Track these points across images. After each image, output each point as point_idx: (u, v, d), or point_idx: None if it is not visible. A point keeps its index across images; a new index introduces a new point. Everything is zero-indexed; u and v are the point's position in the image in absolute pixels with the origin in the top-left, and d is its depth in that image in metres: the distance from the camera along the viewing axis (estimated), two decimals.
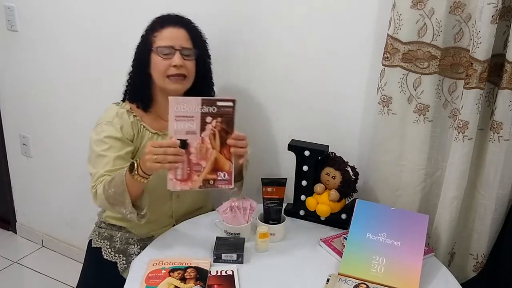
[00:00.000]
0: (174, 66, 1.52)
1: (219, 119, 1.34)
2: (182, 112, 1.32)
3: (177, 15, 1.60)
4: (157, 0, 1.89)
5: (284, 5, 1.70)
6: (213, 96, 1.68)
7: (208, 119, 1.34)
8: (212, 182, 1.37)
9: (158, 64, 1.54)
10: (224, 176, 1.37)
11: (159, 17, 1.60)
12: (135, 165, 1.38)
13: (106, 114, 1.59)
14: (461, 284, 1.39)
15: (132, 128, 1.57)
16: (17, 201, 2.81)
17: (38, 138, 2.55)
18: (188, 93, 1.60)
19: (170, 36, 1.54)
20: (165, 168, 1.32)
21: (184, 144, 1.33)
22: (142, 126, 1.60)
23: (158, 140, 1.58)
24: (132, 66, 1.62)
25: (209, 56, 1.66)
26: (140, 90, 1.61)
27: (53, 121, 2.44)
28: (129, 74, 1.64)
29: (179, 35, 1.55)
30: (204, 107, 1.33)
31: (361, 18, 1.59)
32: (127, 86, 1.65)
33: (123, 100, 1.66)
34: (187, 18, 1.61)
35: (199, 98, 1.33)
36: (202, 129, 1.34)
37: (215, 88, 1.72)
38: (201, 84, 1.63)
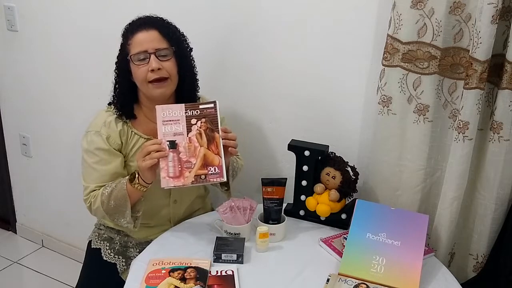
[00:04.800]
0: (152, 70, 1.49)
1: (203, 119, 1.44)
2: (168, 117, 1.45)
3: (147, 17, 1.56)
4: (156, 1, 1.90)
5: (283, 5, 1.70)
6: (198, 91, 1.66)
7: (193, 120, 1.44)
8: (204, 177, 1.41)
9: (136, 72, 1.52)
10: (215, 170, 1.41)
11: (129, 24, 1.56)
12: (136, 175, 1.46)
13: (95, 121, 1.59)
14: (461, 284, 1.39)
15: (120, 137, 1.57)
16: (17, 201, 2.81)
17: (38, 138, 2.55)
18: (174, 92, 1.59)
19: (141, 41, 1.50)
20: (153, 162, 1.39)
21: (173, 144, 1.42)
22: (132, 132, 1.59)
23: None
24: (115, 76, 1.60)
25: (189, 50, 1.61)
26: (123, 102, 1.59)
27: (53, 121, 2.44)
28: (114, 81, 1.61)
29: (151, 37, 1.50)
30: (188, 111, 1.45)
31: (361, 18, 1.59)
32: (113, 95, 1.62)
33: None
34: (159, 18, 1.56)
35: (183, 104, 1.46)
36: (189, 130, 1.44)
37: (211, 88, 1.72)
38: (185, 81, 1.59)
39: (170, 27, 1.56)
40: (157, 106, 1.45)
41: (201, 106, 1.45)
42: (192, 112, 1.45)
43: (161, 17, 1.57)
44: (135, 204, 1.51)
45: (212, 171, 1.41)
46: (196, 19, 1.84)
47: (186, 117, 1.44)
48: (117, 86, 1.60)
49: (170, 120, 1.44)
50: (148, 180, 1.45)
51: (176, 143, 1.42)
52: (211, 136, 1.43)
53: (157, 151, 1.40)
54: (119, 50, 1.57)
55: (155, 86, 1.52)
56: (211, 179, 1.41)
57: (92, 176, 1.55)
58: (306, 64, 1.73)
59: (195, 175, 1.41)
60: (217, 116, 1.45)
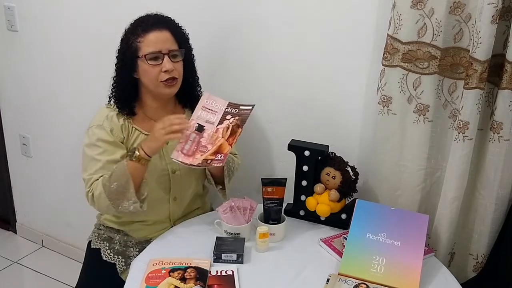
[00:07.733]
0: (165, 71, 1.51)
1: (237, 117, 1.50)
2: (209, 106, 1.52)
3: (157, 15, 1.57)
4: (156, 1, 1.89)
5: (283, 5, 1.70)
6: (199, 92, 1.69)
7: (228, 116, 1.50)
8: (210, 161, 1.45)
9: (148, 72, 1.52)
10: (220, 157, 1.46)
11: (139, 20, 1.55)
12: (136, 149, 1.46)
13: (97, 117, 1.59)
14: (461, 284, 1.39)
15: (122, 131, 1.57)
16: (17, 201, 2.81)
17: (38, 138, 2.55)
18: (177, 92, 1.60)
19: (155, 41, 1.51)
20: (171, 137, 1.44)
21: (200, 128, 1.49)
22: (133, 128, 1.59)
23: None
24: (116, 71, 1.59)
25: (193, 54, 1.65)
26: (123, 97, 1.58)
27: (53, 121, 2.44)
28: (113, 78, 1.61)
29: (165, 38, 1.52)
30: (228, 108, 1.52)
31: (361, 18, 1.59)
32: (112, 90, 1.62)
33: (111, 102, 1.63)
34: (168, 17, 1.58)
35: (227, 101, 1.53)
36: (220, 122, 1.50)
37: (211, 87, 1.72)
38: (188, 82, 1.62)
39: (180, 29, 1.59)
40: (205, 92, 1.55)
41: (241, 107, 1.52)
42: (232, 110, 1.51)
43: (170, 17, 1.58)
44: (139, 187, 1.49)
45: (218, 157, 1.45)
46: (195, 19, 1.84)
47: (224, 112, 1.51)
48: (117, 81, 1.60)
49: (209, 109, 1.51)
50: (152, 151, 1.45)
51: (204, 128, 1.49)
52: (234, 130, 1.48)
53: (179, 124, 1.43)
54: (123, 45, 1.56)
55: (166, 85, 1.54)
56: (213, 164, 1.45)
57: (95, 167, 1.52)
58: (306, 64, 1.73)
59: (203, 159, 1.44)
60: (248, 116, 1.50)
